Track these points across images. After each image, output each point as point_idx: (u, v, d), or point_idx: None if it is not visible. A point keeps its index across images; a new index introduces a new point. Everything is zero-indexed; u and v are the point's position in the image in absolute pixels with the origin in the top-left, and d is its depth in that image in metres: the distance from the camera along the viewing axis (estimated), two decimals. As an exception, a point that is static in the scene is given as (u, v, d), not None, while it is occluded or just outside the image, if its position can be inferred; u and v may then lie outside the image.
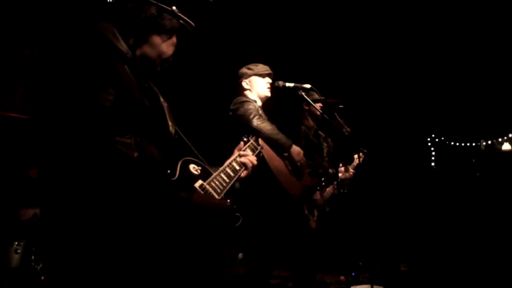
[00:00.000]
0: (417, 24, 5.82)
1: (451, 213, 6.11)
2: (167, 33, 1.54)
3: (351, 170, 4.29)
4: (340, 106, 3.85)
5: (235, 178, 1.82)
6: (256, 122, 2.91)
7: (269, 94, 3.20)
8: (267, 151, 2.93)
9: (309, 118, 4.00)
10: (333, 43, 5.88)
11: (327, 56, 5.92)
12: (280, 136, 3.00)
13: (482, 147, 7.48)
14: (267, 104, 3.28)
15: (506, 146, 7.38)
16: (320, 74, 5.04)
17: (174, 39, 1.59)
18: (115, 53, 1.38)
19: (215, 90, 5.05)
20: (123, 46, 1.42)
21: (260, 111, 3.09)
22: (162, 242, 1.36)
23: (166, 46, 1.57)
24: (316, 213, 3.85)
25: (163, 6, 1.49)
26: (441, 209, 6.17)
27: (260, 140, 2.07)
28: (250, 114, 2.93)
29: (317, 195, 4.03)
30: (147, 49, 1.53)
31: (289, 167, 3.09)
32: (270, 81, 3.19)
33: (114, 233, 1.26)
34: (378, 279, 4.26)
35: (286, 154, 3.06)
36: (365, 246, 4.77)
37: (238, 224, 1.70)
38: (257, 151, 2.02)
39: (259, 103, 3.23)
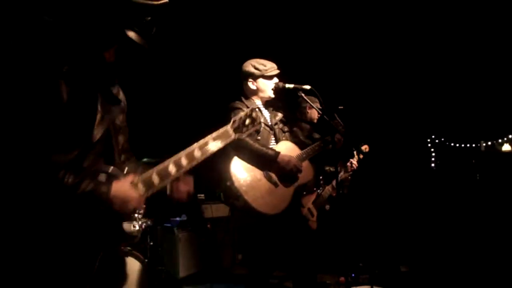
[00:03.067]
0: (417, 25, 5.81)
1: (451, 214, 6.10)
2: (108, 44, 1.62)
3: (355, 163, 4.24)
4: (340, 107, 3.84)
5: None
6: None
7: (273, 95, 3.21)
8: (244, 185, 2.88)
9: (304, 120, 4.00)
10: (333, 44, 5.88)
11: (326, 57, 5.92)
12: (264, 150, 2.96)
13: (482, 148, 7.46)
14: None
15: (506, 147, 7.37)
16: (319, 75, 5.04)
17: (115, 48, 1.65)
18: (52, 67, 1.44)
19: (218, 92, 5.05)
20: (60, 57, 1.47)
21: (249, 121, 3.07)
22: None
23: (109, 54, 1.64)
24: (315, 213, 3.84)
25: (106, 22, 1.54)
26: (441, 210, 6.16)
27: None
28: None
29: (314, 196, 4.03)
30: (89, 57, 1.58)
31: (275, 179, 3.04)
32: (277, 80, 3.18)
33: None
34: (378, 280, 4.26)
35: (271, 169, 3.01)
36: (365, 247, 4.77)
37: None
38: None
39: (260, 103, 3.22)
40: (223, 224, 5.26)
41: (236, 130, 1.84)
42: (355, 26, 5.77)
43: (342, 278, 4.34)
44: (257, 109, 3.18)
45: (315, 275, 3.22)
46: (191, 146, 1.66)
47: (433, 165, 7.44)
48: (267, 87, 3.17)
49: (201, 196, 5.28)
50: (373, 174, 5.40)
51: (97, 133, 1.57)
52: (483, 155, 7.38)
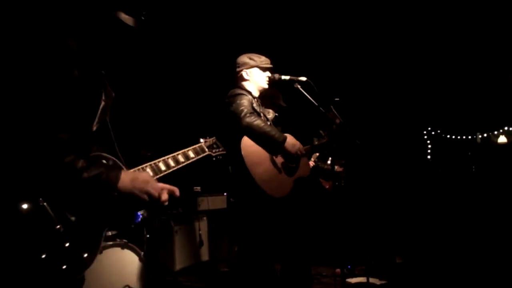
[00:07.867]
0: (411, 17, 5.80)
1: (447, 206, 6.13)
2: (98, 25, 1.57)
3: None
4: (336, 99, 3.83)
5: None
6: (246, 120, 2.88)
7: (267, 86, 3.21)
8: (252, 157, 2.90)
9: None
10: (329, 36, 5.86)
11: (322, 49, 5.90)
12: (273, 132, 2.97)
13: (478, 140, 7.49)
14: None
15: (501, 139, 7.39)
16: (315, 67, 5.03)
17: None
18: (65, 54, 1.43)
19: (212, 83, 5.03)
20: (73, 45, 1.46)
21: (255, 104, 3.08)
22: None
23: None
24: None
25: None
26: (437, 202, 6.18)
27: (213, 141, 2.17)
28: (242, 112, 2.90)
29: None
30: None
31: (279, 166, 3.06)
32: (270, 75, 3.20)
33: None
34: (373, 272, 4.28)
35: (278, 152, 3.04)
36: (361, 239, 4.78)
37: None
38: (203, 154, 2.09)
39: (256, 94, 3.22)
40: (219, 217, 5.26)
41: (209, 148, 2.13)
42: (351, 19, 5.75)
43: (338, 270, 4.36)
44: (253, 100, 3.20)
45: (309, 266, 3.23)
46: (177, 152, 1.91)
47: (429, 157, 7.46)
48: (259, 77, 3.19)
49: (197, 188, 5.26)
50: (370, 166, 5.41)
51: (97, 122, 1.54)
52: (479, 147, 7.41)
